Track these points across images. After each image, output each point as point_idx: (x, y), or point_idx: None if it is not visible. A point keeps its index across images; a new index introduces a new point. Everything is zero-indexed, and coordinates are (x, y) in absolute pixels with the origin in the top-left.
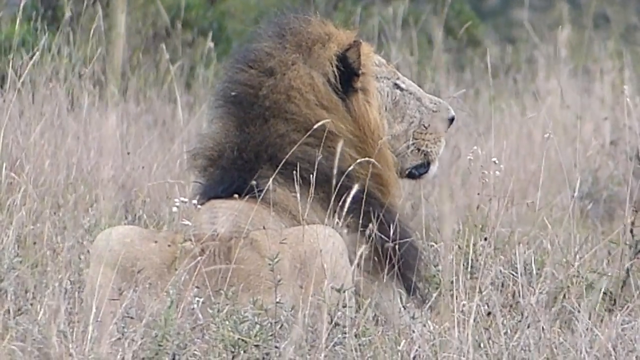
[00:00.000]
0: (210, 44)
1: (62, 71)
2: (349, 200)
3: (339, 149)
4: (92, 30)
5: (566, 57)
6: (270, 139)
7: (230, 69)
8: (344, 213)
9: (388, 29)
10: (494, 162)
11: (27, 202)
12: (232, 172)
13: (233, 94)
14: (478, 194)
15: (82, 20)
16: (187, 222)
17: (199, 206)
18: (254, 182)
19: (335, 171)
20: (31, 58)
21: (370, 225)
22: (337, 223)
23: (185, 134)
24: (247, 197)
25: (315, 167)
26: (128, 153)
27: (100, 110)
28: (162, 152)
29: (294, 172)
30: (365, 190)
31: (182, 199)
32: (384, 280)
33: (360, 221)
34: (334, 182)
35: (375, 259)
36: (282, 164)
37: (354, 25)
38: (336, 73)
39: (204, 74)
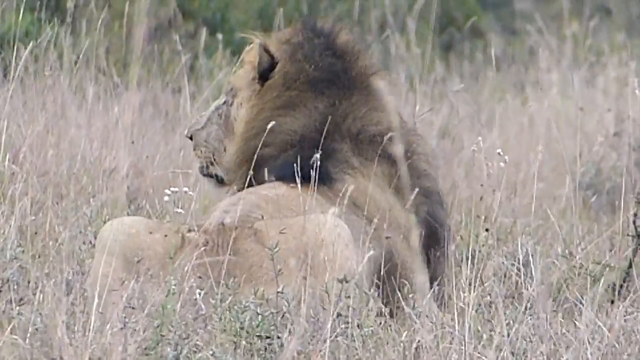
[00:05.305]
0: (206, 33)
1: (66, 61)
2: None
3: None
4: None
5: (569, 49)
6: (359, 113)
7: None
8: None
9: (392, 20)
10: (498, 153)
11: (29, 193)
12: (305, 152)
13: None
14: (481, 185)
15: (86, 11)
16: (180, 211)
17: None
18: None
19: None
20: (34, 48)
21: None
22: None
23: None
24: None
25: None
26: (132, 142)
27: (103, 101)
28: (165, 142)
29: (377, 143)
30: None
31: (173, 188)
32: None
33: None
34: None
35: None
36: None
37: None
38: None
39: (207, 65)
